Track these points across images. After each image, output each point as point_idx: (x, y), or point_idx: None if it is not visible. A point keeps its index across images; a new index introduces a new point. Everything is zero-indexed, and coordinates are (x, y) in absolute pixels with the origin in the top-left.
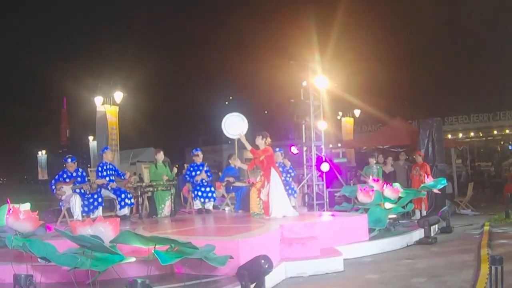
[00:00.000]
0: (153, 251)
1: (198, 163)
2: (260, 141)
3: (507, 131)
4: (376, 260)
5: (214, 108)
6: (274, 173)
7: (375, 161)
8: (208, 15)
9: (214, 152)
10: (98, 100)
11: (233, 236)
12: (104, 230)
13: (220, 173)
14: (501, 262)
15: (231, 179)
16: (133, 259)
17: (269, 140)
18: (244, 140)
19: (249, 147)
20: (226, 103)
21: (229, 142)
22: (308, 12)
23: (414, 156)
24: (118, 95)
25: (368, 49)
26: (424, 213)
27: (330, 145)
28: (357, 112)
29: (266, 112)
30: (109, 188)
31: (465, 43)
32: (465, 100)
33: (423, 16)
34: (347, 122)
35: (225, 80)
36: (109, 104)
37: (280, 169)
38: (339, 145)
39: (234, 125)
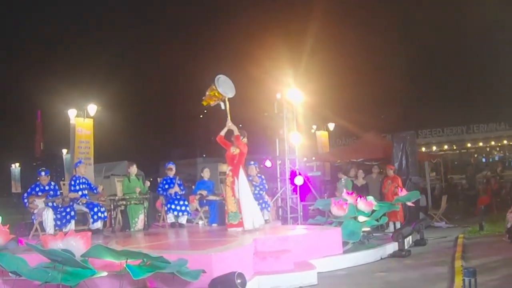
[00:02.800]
0: (125, 266)
1: (171, 177)
2: (233, 138)
3: (481, 144)
4: (350, 273)
5: (189, 122)
6: (242, 172)
7: (343, 175)
8: (183, 28)
9: (189, 166)
10: (71, 113)
11: (206, 250)
12: (75, 244)
13: (193, 187)
14: (475, 275)
15: (204, 193)
16: (105, 274)
17: (246, 139)
18: (231, 124)
19: (236, 131)
20: (201, 116)
21: (204, 155)
22: (282, 25)
23: (383, 169)
24: (92, 108)
25: (342, 63)
26: (398, 226)
27: (305, 159)
28: (331, 126)
29: (240, 125)
30: (80, 203)
31: (438, 57)
32: (439, 113)
33: (397, 31)
34: (322, 136)
35: (198, 92)
36: (82, 117)
37: (254, 182)
38: (313, 158)
39: (224, 83)
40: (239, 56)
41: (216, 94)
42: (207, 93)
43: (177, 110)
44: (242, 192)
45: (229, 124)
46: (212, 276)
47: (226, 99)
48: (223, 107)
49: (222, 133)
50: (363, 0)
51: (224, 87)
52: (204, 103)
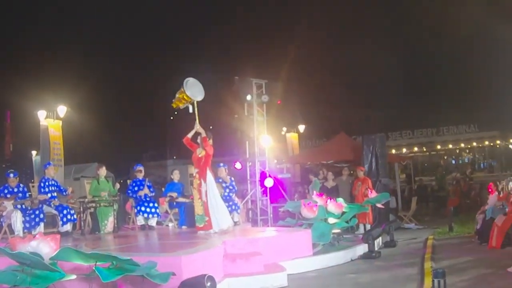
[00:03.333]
0: (94, 268)
1: (141, 179)
2: (200, 140)
3: (451, 146)
4: (320, 275)
5: (159, 124)
6: (209, 174)
7: (313, 177)
8: (155, 30)
9: (159, 168)
10: (41, 114)
11: (175, 252)
12: (44, 247)
13: (163, 189)
14: (444, 276)
15: (174, 195)
16: (73, 277)
17: (211, 141)
18: (199, 127)
19: (204, 134)
20: (171, 118)
21: (174, 157)
22: (253, 29)
23: (354, 171)
24: (62, 109)
25: (313, 65)
26: (368, 227)
27: (275, 161)
28: (301, 128)
29: (211, 127)
30: (52, 205)
31: (409, 61)
32: (409, 116)
33: (369, 32)
34: (292, 138)
35: (168, 95)
36: (52, 118)
37: (223, 184)
38: (284, 160)
39: (193, 86)
40: (211, 58)
41: (185, 97)
42: (176, 95)
43: (147, 112)
44: (209, 194)
45: (197, 127)
46: (182, 278)
47: (195, 102)
48: (191, 110)
49: (189, 135)
50: (337, 4)
51: (192, 90)
52: (174, 106)
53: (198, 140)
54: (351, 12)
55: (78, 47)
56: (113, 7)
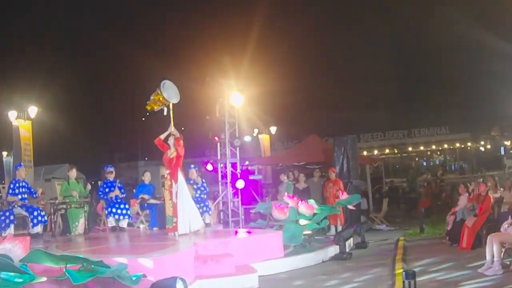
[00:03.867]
0: (64, 270)
1: (112, 180)
2: (172, 141)
3: (422, 148)
4: (292, 277)
5: (130, 125)
6: (180, 175)
7: (286, 179)
8: (127, 31)
9: (130, 169)
10: (12, 114)
11: (146, 254)
12: (14, 248)
13: (134, 190)
14: (414, 276)
15: (146, 196)
16: (44, 279)
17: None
18: (173, 129)
19: (177, 134)
20: (143, 119)
21: (146, 158)
22: (225, 29)
23: (325, 173)
24: (33, 110)
25: (285, 67)
26: (339, 229)
27: (246, 162)
28: (273, 129)
29: (182, 128)
30: (22, 207)
31: (381, 63)
32: (381, 118)
33: (340, 35)
34: (264, 139)
35: (140, 95)
36: (23, 118)
37: (194, 186)
38: (255, 162)
39: (169, 89)
40: (182, 60)
41: (161, 99)
42: (151, 97)
43: (119, 113)
44: (180, 195)
45: (172, 130)
46: (153, 280)
47: (170, 105)
48: (165, 112)
49: (162, 136)
50: (305, 7)
51: (169, 93)
52: (148, 108)
53: (169, 142)
54: (323, 14)
55: (49, 47)
56: (85, 7)
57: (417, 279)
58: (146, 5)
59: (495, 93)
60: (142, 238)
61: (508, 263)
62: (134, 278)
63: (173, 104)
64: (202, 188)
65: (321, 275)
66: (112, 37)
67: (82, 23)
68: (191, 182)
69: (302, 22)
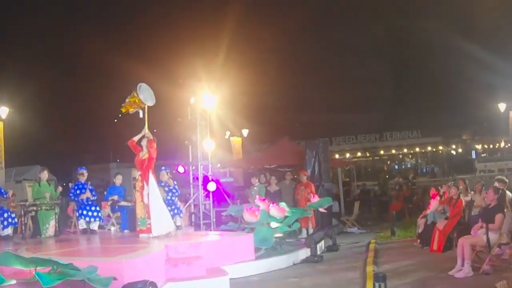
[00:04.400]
0: (34, 273)
1: (83, 182)
2: (145, 143)
3: (393, 151)
4: (263, 279)
5: (102, 127)
6: (151, 177)
7: (257, 181)
8: (98, 33)
9: (102, 171)
10: None
11: (117, 256)
12: None
13: (105, 192)
14: (385, 279)
15: (115, 197)
16: (13, 282)
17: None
18: (147, 132)
19: (150, 136)
20: (115, 120)
21: (118, 160)
22: (197, 31)
23: (297, 176)
24: (4, 110)
25: (258, 70)
26: (310, 231)
27: (218, 165)
28: (245, 132)
29: (155, 130)
30: None
31: (353, 66)
32: (353, 121)
33: (312, 38)
34: (235, 142)
35: (112, 97)
36: None
37: (166, 188)
38: (227, 164)
39: (145, 91)
40: (155, 62)
41: (137, 101)
42: (127, 100)
43: (91, 114)
44: (151, 197)
45: (146, 132)
46: (123, 283)
47: (146, 107)
48: (141, 115)
49: (135, 138)
50: (278, 11)
51: (145, 95)
52: (123, 110)
53: (142, 143)
54: (295, 17)
55: (21, 48)
56: (58, 8)
57: (388, 281)
58: (118, 6)
59: (466, 97)
60: (112, 241)
61: (478, 265)
62: (104, 281)
63: (148, 106)
64: (174, 190)
65: (292, 278)
66: (84, 38)
67: (54, 25)
68: (162, 184)
69: (275, 25)
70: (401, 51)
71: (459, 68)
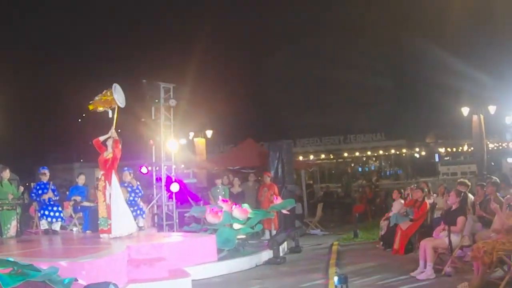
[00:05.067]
0: None
1: (45, 182)
2: (110, 143)
3: (357, 154)
4: (225, 281)
5: (66, 126)
6: (114, 177)
7: (221, 182)
8: (64, 32)
9: (65, 171)
10: None
11: (78, 257)
12: None
13: (68, 192)
14: (346, 281)
15: (78, 198)
16: None
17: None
18: (114, 132)
19: (116, 137)
20: (79, 120)
21: (81, 160)
22: (161, 31)
23: (260, 177)
24: None
25: (222, 71)
26: (273, 233)
27: (182, 166)
28: (209, 133)
29: (119, 130)
30: None
31: (317, 68)
32: (317, 123)
33: (276, 42)
34: (199, 143)
35: (76, 97)
36: None
37: (129, 189)
38: (190, 165)
39: (119, 93)
40: (119, 61)
41: (109, 100)
42: (97, 98)
43: (55, 113)
44: (113, 197)
45: (113, 132)
46: (84, 284)
47: (116, 108)
48: (110, 115)
49: (101, 138)
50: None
51: (118, 96)
52: (91, 107)
53: (107, 143)
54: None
55: None
56: (21, 7)
57: (350, 283)
58: (85, 7)
59: (430, 101)
60: (74, 241)
61: (440, 267)
62: (65, 282)
63: (118, 108)
64: (137, 191)
65: (255, 280)
66: (47, 36)
67: (17, 23)
68: (125, 185)
69: (240, 28)
70: (367, 55)
71: (423, 73)
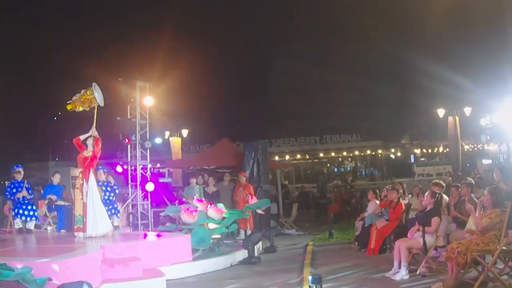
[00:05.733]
0: None
1: (19, 180)
2: (90, 141)
3: (333, 154)
4: (200, 280)
5: (41, 124)
6: (92, 175)
7: (196, 182)
8: (39, 29)
9: (40, 169)
10: None
11: (52, 257)
12: None
13: (42, 191)
14: (320, 281)
15: (53, 197)
16: None
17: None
18: (95, 131)
19: (97, 136)
20: (55, 118)
21: (57, 159)
22: (137, 29)
23: (237, 177)
24: None
25: (199, 71)
26: (248, 233)
27: (158, 165)
28: (185, 132)
29: (95, 129)
30: None
31: (290, 69)
32: (293, 123)
33: (247, 41)
34: (175, 142)
35: (52, 95)
36: None
37: (103, 188)
38: (166, 164)
39: (98, 92)
40: (94, 60)
41: (90, 99)
42: (75, 97)
43: (30, 112)
44: (90, 196)
45: (93, 131)
46: (58, 284)
47: (96, 107)
48: (94, 113)
49: (82, 137)
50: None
51: (98, 94)
52: (69, 107)
53: (87, 142)
54: (233, 19)
55: None
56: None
57: (325, 283)
58: (60, 5)
59: (406, 103)
60: (49, 241)
61: (415, 268)
62: (39, 282)
63: (98, 106)
64: (115, 187)
65: (230, 279)
66: (21, 34)
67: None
68: (100, 184)
69: (216, 25)
70: (343, 56)
71: (398, 74)
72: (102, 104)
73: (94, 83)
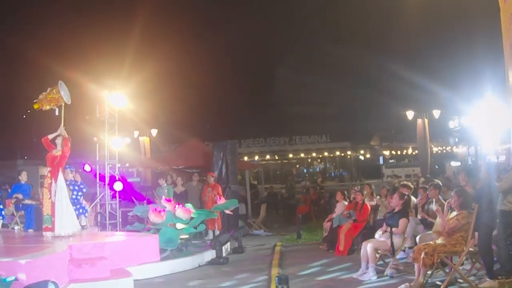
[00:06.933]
0: None
1: None
2: (59, 141)
3: (302, 155)
4: (168, 281)
5: (8, 122)
6: (61, 175)
7: (165, 182)
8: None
9: (8, 168)
10: None
11: (19, 257)
12: None
13: (10, 190)
14: (287, 281)
15: (19, 196)
16: None
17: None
18: (63, 130)
19: (66, 135)
20: (24, 116)
21: (25, 157)
22: (106, 28)
23: (205, 177)
24: None
25: (168, 70)
26: (217, 233)
27: (127, 164)
28: (154, 132)
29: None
30: None
31: (262, 69)
32: (262, 124)
33: (218, 41)
34: (144, 141)
35: (21, 93)
36: None
37: (70, 187)
38: (135, 164)
39: (64, 90)
40: (63, 57)
41: (56, 97)
42: (41, 96)
43: None
44: (58, 195)
45: (62, 130)
46: (25, 284)
47: (63, 105)
48: (57, 112)
49: (50, 136)
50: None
51: (65, 92)
52: (36, 106)
53: (56, 141)
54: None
55: None
56: None
57: (292, 284)
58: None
59: (375, 104)
60: (16, 240)
61: (382, 269)
62: (5, 281)
63: (65, 105)
64: (82, 186)
65: (197, 280)
66: None
67: None
68: (67, 183)
69: (186, 25)
70: (314, 57)
71: (368, 77)
72: (69, 102)
73: (60, 81)
